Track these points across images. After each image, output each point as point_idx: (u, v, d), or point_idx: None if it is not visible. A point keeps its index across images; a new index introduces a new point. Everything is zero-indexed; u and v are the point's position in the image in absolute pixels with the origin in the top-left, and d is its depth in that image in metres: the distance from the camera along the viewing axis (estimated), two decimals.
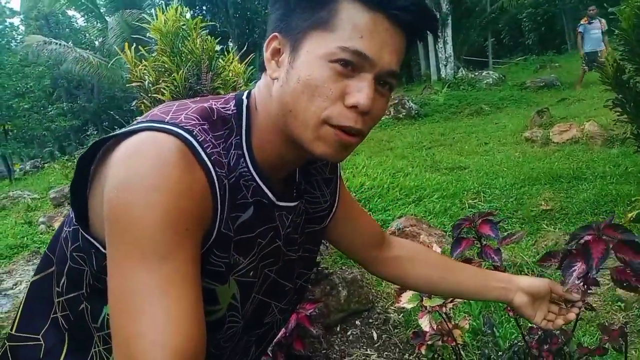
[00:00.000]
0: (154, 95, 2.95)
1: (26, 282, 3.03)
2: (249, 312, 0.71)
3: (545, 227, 3.62)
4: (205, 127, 0.61)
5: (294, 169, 0.75)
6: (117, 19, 14.87)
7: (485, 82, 11.04)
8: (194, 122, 0.61)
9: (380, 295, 2.74)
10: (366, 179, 5.25)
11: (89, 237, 0.62)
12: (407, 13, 0.61)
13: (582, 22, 9.28)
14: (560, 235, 3.22)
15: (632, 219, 2.70)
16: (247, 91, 0.70)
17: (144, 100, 3.12)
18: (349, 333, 2.42)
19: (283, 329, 1.77)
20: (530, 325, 1.37)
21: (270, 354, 1.76)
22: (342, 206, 0.87)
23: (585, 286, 0.96)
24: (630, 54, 2.58)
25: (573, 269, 0.97)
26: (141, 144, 0.57)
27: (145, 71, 3.04)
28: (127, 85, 3.25)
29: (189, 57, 2.92)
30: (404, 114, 9.46)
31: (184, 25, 3.00)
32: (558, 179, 4.56)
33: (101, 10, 17.72)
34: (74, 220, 0.65)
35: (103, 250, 0.60)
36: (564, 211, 3.85)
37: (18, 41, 19.79)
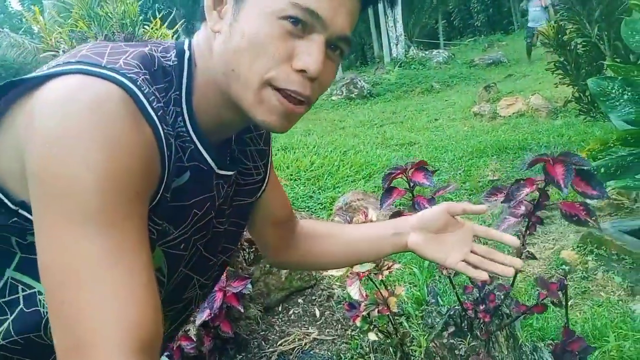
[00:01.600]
0: None
1: None
2: (172, 285, 0.66)
3: None
4: (147, 77, 0.54)
5: (231, 135, 0.69)
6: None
7: (435, 60, 11.08)
8: (136, 69, 0.53)
9: (326, 273, 2.62)
10: (316, 158, 5.12)
11: (9, 205, 0.52)
12: None
13: None
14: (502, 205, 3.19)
15: None
16: (187, 41, 0.62)
17: None
18: (290, 312, 2.28)
19: (208, 310, 1.60)
20: (466, 284, 1.26)
21: (195, 338, 1.59)
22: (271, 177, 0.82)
23: (531, 222, 0.84)
24: (570, 12, 2.53)
25: (521, 192, 0.85)
26: (75, 89, 0.48)
27: (60, 39, 2.75)
28: (41, 56, 2.94)
29: (109, 22, 2.66)
30: (355, 93, 9.37)
31: None
32: (504, 150, 4.59)
33: None
34: None
35: (26, 215, 0.51)
36: (510, 180, 3.85)
37: None
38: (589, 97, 2.68)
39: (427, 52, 11.66)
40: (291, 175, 4.68)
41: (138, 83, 0.51)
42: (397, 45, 11.46)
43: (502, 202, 0.95)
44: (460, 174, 4.19)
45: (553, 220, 2.99)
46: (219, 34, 0.58)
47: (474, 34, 23.20)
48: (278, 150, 5.50)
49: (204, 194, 0.63)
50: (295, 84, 0.56)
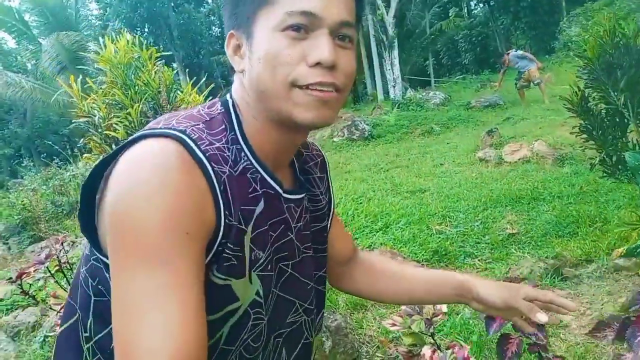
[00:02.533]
0: (106, 132, 2.69)
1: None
2: (270, 308, 0.70)
3: (515, 251, 3.63)
4: (199, 126, 0.62)
5: (291, 157, 0.76)
6: (52, 41, 14.07)
7: (432, 102, 11.34)
8: (187, 123, 0.62)
9: (364, 339, 2.59)
10: None
11: (106, 261, 0.61)
12: None
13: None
14: (533, 263, 3.21)
15: (622, 254, 2.71)
16: (228, 94, 0.71)
17: (93, 137, 2.84)
18: None
19: None
20: None
21: None
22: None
23: None
24: (595, 82, 2.62)
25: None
26: (139, 152, 0.57)
27: (94, 105, 2.77)
28: (74, 121, 2.95)
29: (145, 89, 2.69)
30: (357, 135, 9.50)
31: (137, 55, 2.77)
32: (518, 200, 4.64)
33: (34, 32, 16.76)
34: (88, 253, 0.66)
35: None
36: (529, 234, 3.88)
37: None
38: (612, 159, 2.75)
39: (424, 94, 11.92)
40: None
41: (187, 132, 0.59)
42: (394, 87, 11.72)
43: (613, 340, 0.95)
44: (477, 225, 4.22)
45: None
46: (244, 71, 0.66)
47: (462, 72, 23.83)
48: None
49: (277, 217, 0.69)
50: (316, 76, 0.62)
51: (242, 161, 0.65)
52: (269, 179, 0.68)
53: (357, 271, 0.95)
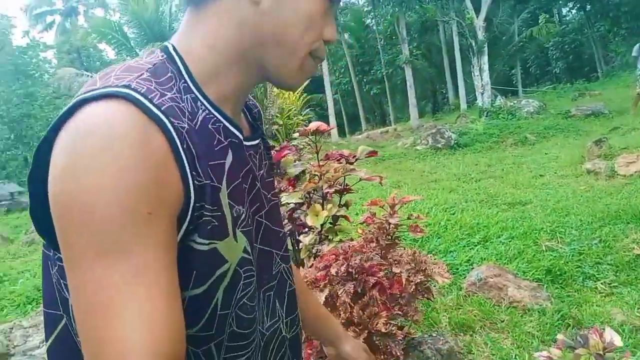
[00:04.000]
0: None
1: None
2: (255, 263, 0.67)
3: None
4: (143, 76, 0.54)
5: (244, 103, 0.72)
6: (148, 51, 14.98)
7: (525, 110, 10.56)
8: (129, 76, 0.53)
9: None
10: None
11: None
12: None
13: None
14: None
15: None
16: (165, 43, 0.64)
17: None
18: None
19: None
20: None
21: None
22: None
23: None
24: None
25: None
26: (79, 122, 0.49)
27: None
28: None
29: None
30: (442, 143, 9.06)
31: None
32: None
33: (132, 44, 18.01)
34: (50, 254, 0.59)
35: None
36: None
37: (50, 74, 20.21)
38: None
39: (515, 102, 11.17)
40: None
41: (132, 86, 0.51)
42: (482, 94, 11.10)
43: None
44: (596, 244, 3.70)
45: None
46: (257, 5, 0.59)
47: (552, 81, 22.38)
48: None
49: (244, 167, 0.64)
50: (324, 52, 0.65)
51: (200, 111, 0.58)
52: (231, 128, 0.62)
53: None
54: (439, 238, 4.25)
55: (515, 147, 8.53)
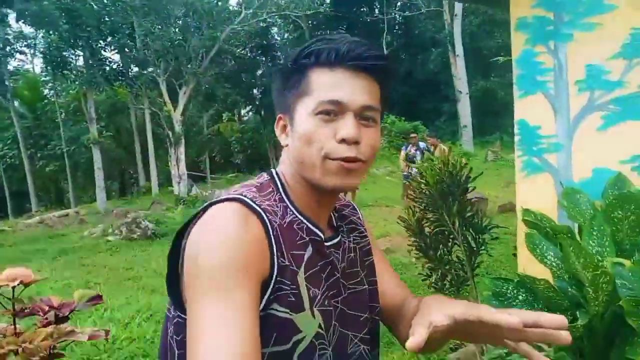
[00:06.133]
0: None
1: None
2: (333, 340, 0.80)
3: None
4: (252, 189, 0.79)
5: (329, 213, 0.89)
6: None
7: None
8: (242, 190, 0.78)
9: None
10: (117, 330, 4.06)
11: (185, 317, 0.71)
12: (358, 61, 0.77)
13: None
14: None
15: None
16: (271, 169, 0.87)
17: None
18: None
19: None
20: None
21: None
22: (378, 260, 0.98)
23: None
24: (433, 206, 2.84)
25: None
26: (209, 214, 0.73)
27: None
28: None
29: None
30: (138, 233, 8.50)
31: None
32: None
33: None
34: (173, 313, 0.77)
35: None
36: None
37: None
38: (441, 277, 2.97)
39: (209, 192, 11.69)
40: None
41: (243, 193, 0.76)
42: (179, 183, 11.18)
43: None
44: None
45: None
46: (288, 146, 0.82)
47: (233, 171, 24.97)
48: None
49: (324, 260, 0.81)
50: (344, 150, 0.76)
51: (289, 215, 0.79)
52: (313, 228, 0.81)
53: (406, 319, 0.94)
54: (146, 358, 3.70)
55: None
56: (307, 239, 0.78)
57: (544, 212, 2.13)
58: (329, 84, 0.76)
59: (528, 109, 2.59)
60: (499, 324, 0.65)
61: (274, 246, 0.72)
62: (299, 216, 0.79)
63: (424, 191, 2.77)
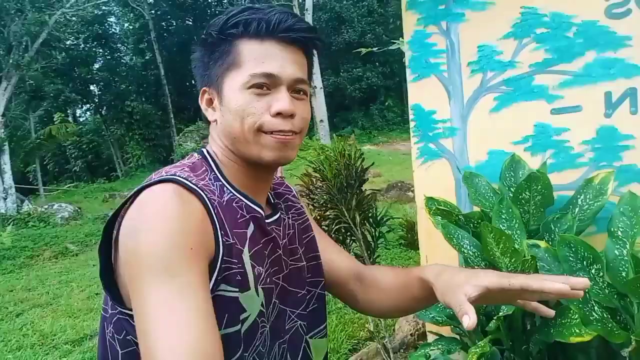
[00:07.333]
0: None
1: None
2: (272, 317, 0.82)
3: None
4: (184, 169, 0.77)
5: (267, 190, 0.89)
6: None
7: (59, 215, 9.53)
8: (174, 170, 0.76)
9: None
10: None
11: (130, 313, 0.69)
12: (290, 33, 0.77)
13: None
14: None
15: None
16: (200, 147, 0.86)
17: None
18: None
19: None
20: None
21: None
22: (320, 237, 1.00)
23: None
24: (332, 202, 2.63)
25: None
26: (141, 199, 0.69)
27: None
28: None
29: None
30: None
31: None
32: None
33: None
34: (112, 312, 0.75)
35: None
36: None
37: None
38: None
39: (47, 207, 9.92)
40: None
41: (177, 174, 0.73)
42: (6, 199, 9.27)
43: None
44: None
45: None
46: (216, 121, 0.82)
47: (71, 179, 22.20)
48: None
49: (265, 237, 0.82)
50: (279, 124, 0.77)
51: (226, 194, 0.79)
52: (252, 205, 0.81)
53: (363, 289, 0.98)
54: None
55: (56, 261, 7.44)
56: (248, 216, 0.79)
57: (444, 199, 2.04)
58: (260, 56, 0.76)
59: (422, 93, 2.48)
60: (550, 292, 0.70)
61: (217, 225, 0.72)
62: (237, 194, 0.80)
63: (321, 187, 2.52)
